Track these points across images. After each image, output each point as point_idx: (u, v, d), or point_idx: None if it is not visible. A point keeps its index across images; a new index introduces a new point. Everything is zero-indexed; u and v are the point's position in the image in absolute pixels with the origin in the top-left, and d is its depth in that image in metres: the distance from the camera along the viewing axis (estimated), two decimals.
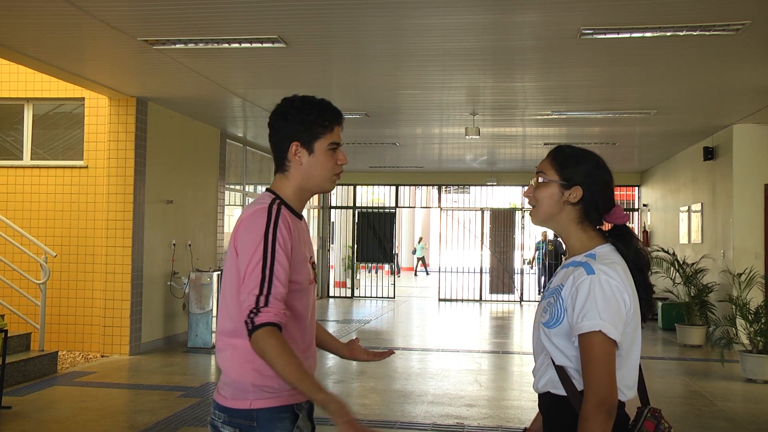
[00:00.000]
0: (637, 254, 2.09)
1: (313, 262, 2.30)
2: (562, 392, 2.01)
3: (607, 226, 2.17)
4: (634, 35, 5.93)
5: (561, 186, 2.09)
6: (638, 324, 2.03)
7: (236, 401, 2.14)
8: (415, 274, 16.45)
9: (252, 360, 2.09)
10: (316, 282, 2.33)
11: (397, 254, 24.93)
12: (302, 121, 2.22)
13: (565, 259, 2.17)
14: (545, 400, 2.08)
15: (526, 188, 2.18)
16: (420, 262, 26.88)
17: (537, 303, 12.95)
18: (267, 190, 2.28)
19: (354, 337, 2.62)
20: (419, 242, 28.18)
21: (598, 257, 2.03)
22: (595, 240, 2.10)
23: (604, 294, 1.93)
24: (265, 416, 2.13)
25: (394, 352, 2.62)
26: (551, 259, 17.42)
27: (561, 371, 2.01)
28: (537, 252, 18.68)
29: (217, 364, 2.21)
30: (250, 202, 13.17)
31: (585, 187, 2.08)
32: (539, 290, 17.74)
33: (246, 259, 2.08)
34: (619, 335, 1.93)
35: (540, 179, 2.12)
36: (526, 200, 2.19)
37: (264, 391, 2.13)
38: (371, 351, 2.54)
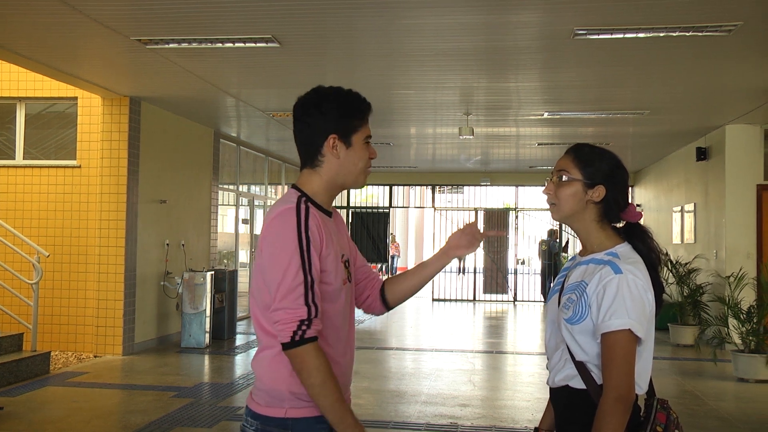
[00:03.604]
0: (652, 252, 2.13)
1: (347, 261, 2.18)
2: (580, 386, 2.05)
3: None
4: (627, 36, 5.95)
5: (585, 185, 2.12)
6: (653, 320, 2.08)
7: (270, 408, 2.03)
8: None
9: (288, 364, 1.99)
10: (350, 281, 2.21)
11: (395, 256, 24.93)
12: (340, 113, 2.12)
13: (580, 256, 2.18)
14: (562, 393, 2.11)
15: (545, 186, 2.21)
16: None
17: (542, 301, 12.71)
18: (292, 186, 2.18)
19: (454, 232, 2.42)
20: None
21: (621, 256, 2.06)
22: (613, 239, 2.13)
23: (632, 293, 1.98)
24: (300, 426, 2.02)
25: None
26: (545, 260, 17.43)
27: (581, 366, 2.05)
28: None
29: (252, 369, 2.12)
30: (249, 203, 13.19)
31: (607, 186, 2.11)
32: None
33: (282, 267, 1.96)
34: (644, 333, 1.99)
35: (564, 177, 2.14)
36: (544, 198, 2.21)
37: (300, 399, 2.01)
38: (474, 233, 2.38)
